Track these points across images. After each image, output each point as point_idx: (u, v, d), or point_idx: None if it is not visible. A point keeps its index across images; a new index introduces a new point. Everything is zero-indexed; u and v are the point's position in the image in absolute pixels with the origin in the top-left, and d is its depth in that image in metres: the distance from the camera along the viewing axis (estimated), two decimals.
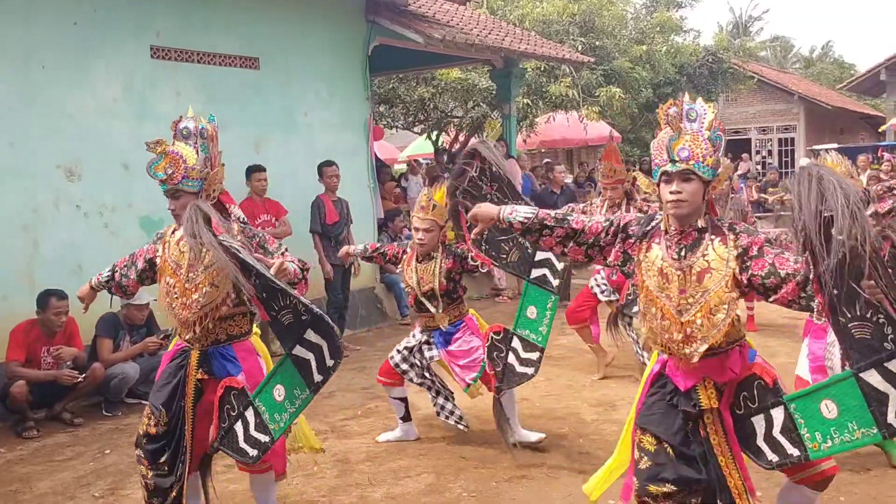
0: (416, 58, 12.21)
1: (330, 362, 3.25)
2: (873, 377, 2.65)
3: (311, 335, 3.25)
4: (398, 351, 5.52)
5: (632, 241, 3.21)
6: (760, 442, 3.01)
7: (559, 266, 4.32)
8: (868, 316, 2.64)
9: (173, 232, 3.78)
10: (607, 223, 3.28)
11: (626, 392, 6.54)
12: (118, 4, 7.40)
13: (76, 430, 6.20)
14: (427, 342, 5.43)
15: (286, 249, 3.70)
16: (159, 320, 7.03)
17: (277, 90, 8.89)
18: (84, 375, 6.30)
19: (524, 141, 17.17)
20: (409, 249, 5.49)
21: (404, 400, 5.60)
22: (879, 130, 25.07)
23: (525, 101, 15.44)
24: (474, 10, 14.42)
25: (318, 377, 3.30)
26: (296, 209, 8.53)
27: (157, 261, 3.84)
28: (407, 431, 5.64)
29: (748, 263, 2.92)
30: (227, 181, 8.00)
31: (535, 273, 4.52)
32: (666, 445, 3.08)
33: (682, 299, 3.02)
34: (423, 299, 5.32)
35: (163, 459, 3.76)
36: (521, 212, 3.39)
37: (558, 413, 6.06)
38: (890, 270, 2.61)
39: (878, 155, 16.92)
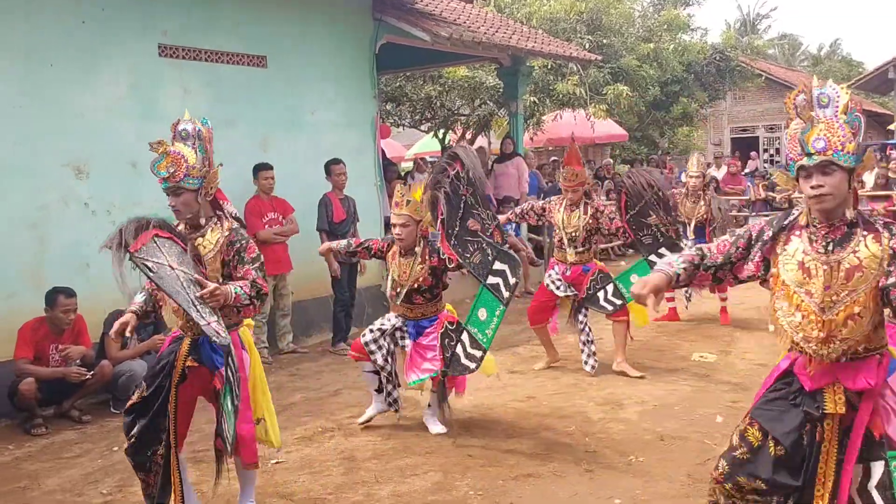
0: (423, 56, 12.21)
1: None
2: None
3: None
4: (370, 331, 5.67)
5: (769, 244, 3.02)
6: (871, 487, 2.86)
7: (512, 281, 4.64)
8: None
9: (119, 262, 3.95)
10: (735, 238, 3.11)
11: (633, 391, 6.54)
12: (126, 3, 7.41)
13: (84, 427, 6.22)
14: (401, 329, 5.62)
15: (259, 266, 3.89)
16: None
17: (284, 88, 8.89)
18: (92, 373, 6.33)
19: (531, 139, 17.15)
20: (393, 244, 5.68)
21: (377, 373, 5.72)
22: (888, 128, 24.98)
23: (532, 99, 15.43)
24: (481, 8, 14.40)
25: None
26: (302, 207, 8.54)
27: None
28: (381, 401, 5.83)
29: (892, 270, 2.76)
30: (234, 179, 8.09)
31: (492, 280, 4.84)
32: (771, 444, 2.98)
33: (826, 296, 2.84)
34: (402, 293, 5.52)
35: (133, 432, 3.99)
36: (678, 265, 3.14)
37: (565, 412, 6.06)
38: None
39: (887, 153, 16.87)
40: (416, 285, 5.48)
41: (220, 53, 8.22)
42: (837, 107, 2.83)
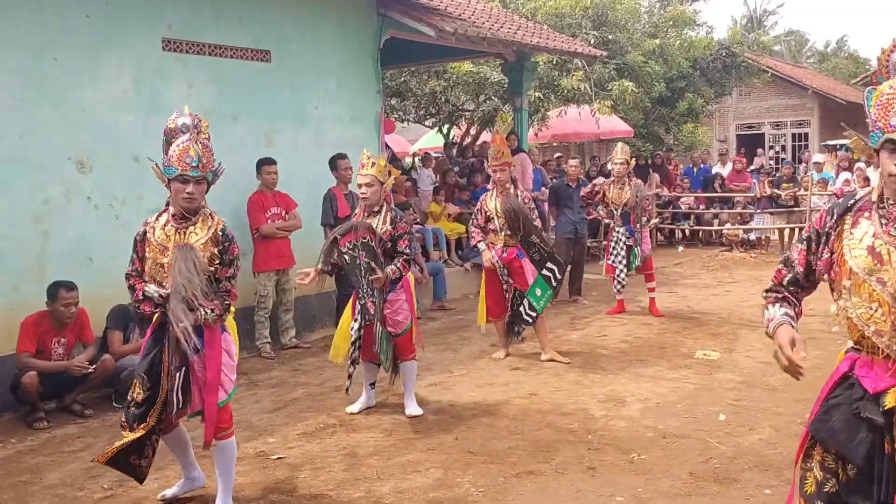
0: (428, 51, 12.18)
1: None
2: None
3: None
4: (355, 320, 6.00)
5: (833, 232, 2.71)
6: None
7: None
8: None
9: (157, 218, 4.27)
10: (805, 244, 2.82)
11: (635, 388, 6.52)
12: None
13: (86, 421, 6.23)
14: (373, 301, 5.84)
15: (236, 267, 4.27)
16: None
17: (288, 83, 8.88)
18: (94, 367, 6.32)
19: (536, 134, 17.11)
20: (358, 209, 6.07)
21: (377, 365, 6.15)
22: None
23: (537, 94, 15.38)
24: (486, 4, 14.36)
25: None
26: (306, 202, 8.54)
27: (147, 252, 4.28)
28: (370, 397, 6.25)
29: None
30: (238, 174, 8.07)
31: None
32: (842, 463, 2.67)
33: None
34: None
35: (143, 424, 4.23)
36: (783, 310, 2.83)
37: (567, 409, 6.05)
38: None
39: None
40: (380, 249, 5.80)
41: (224, 48, 8.20)
42: None
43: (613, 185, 9.42)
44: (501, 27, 11.74)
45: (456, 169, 13.72)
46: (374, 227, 5.81)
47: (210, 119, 7.85)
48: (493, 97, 15.69)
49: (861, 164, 14.65)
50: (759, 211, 15.69)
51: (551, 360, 7.39)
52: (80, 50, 7.05)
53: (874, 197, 2.65)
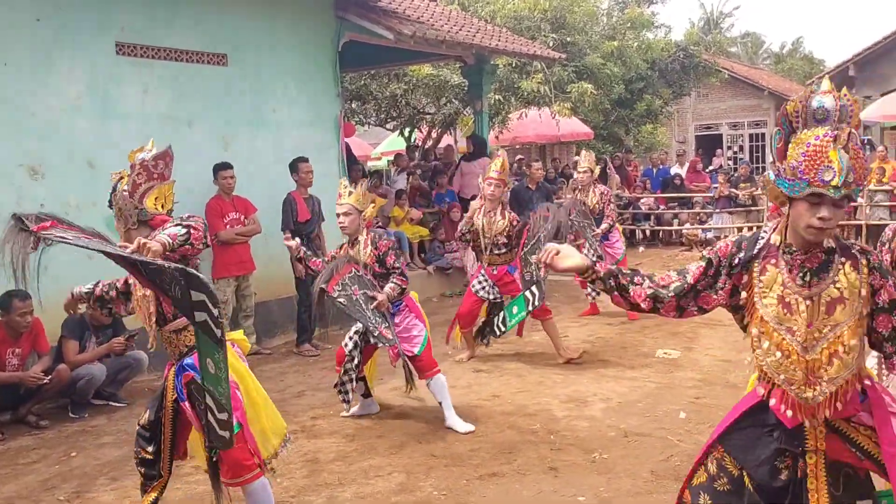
0: (388, 54, 12.15)
1: (215, 311, 3.01)
2: None
3: (195, 294, 3.03)
4: (350, 338, 5.88)
5: (739, 271, 2.69)
6: None
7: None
8: None
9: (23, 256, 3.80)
10: (705, 263, 2.76)
11: (597, 388, 6.55)
12: (82, 0, 7.28)
13: (42, 432, 6.11)
14: (386, 327, 5.64)
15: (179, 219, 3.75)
16: (126, 321, 6.93)
17: (246, 87, 8.80)
18: (49, 377, 6.21)
19: (496, 137, 17.14)
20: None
21: (363, 379, 6.01)
22: None
23: (497, 97, 15.41)
24: (445, 7, 14.38)
25: (217, 332, 3.06)
26: (265, 206, 8.46)
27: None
28: (369, 405, 6.12)
29: (872, 312, 2.56)
30: (195, 179, 7.97)
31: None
32: (743, 475, 2.74)
33: (808, 334, 2.55)
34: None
35: (150, 449, 3.97)
36: (618, 270, 2.87)
37: (529, 409, 6.05)
38: None
39: None
40: (370, 275, 5.66)
41: (179, 51, 8.11)
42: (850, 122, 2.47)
43: (579, 193, 9.44)
44: (460, 30, 11.75)
45: (419, 172, 13.70)
46: (357, 256, 5.68)
47: (165, 124, 7.86)
48: (453, 100, 15.68)
49: None
50: (717, 210, 15.88)
51: (569, 362, 7.32)
52: (30, 54, 6.93)
53: (777, 242, 2.64)
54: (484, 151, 13.17)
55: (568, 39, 16.67)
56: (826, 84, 2.52)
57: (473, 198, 12.13)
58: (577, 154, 21.27)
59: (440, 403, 5.77)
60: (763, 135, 29.62)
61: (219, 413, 3.35)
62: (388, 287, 5.61)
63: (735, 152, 29.52)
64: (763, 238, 2.68)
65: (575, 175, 10.26)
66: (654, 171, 17.72)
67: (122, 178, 3.91)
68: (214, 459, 3.80)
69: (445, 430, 5.67)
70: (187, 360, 3.81)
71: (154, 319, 3.83)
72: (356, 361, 5.84)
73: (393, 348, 5.54)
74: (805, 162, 2.45)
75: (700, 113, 30.55)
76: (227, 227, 8.07)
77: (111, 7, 7.51)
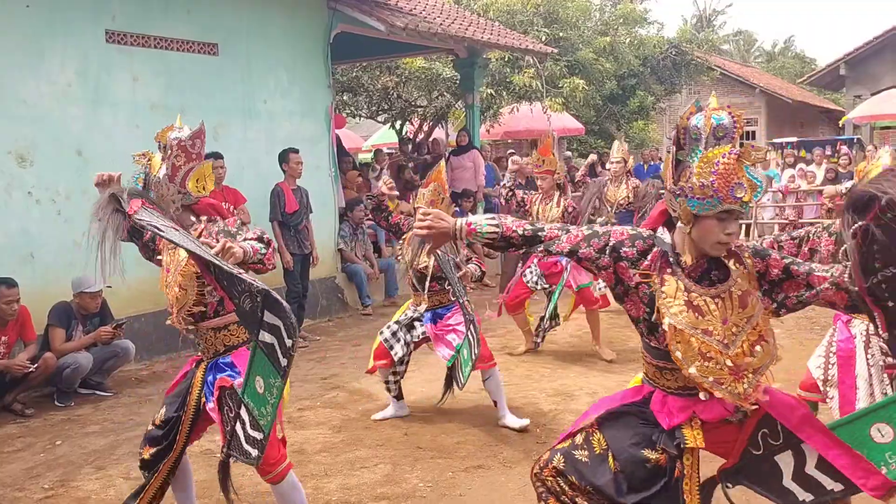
0: (380, 46, 12.12)
1: (288, 342, 2.90)
2: None
3: (268, 316, 2.95)
4: (388, 327, 5.68)
5: (624, 265, 2.76)
6: (787, 482, 2.71)
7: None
8: None
9: (114, 234, 3.55)
10: (591, 234, 2.81)
11: (584, 382, 6.57)
12: None
13: (27, 420, 6.09)
14: (419, 319, 5.62)
15: (242, 225, 3.63)
16: (113, 309, 6.93)
17: (237, 77, 8.77)
18: (36, 365, 6.19)
19: (488, 131, 17.14)
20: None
21: (397, 382, 5.78)
22: (840, 125, 25.44)
23: (489, 91, 15.41)
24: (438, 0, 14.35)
25: (283, 361, 2.96)
26: (255, 197, 8.44)
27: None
28: (400, 407, 5.86)
29: (772, 289, 2.66)
30: None
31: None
32: (611, 458, 2.82)
33: (726, 330, 2.62)
34: (414, 280, 5.55)
35: (155, 450, 3.75)
36: (484, 228, 2.84)
37: (516, 403, 6.06)
38: None
39: (837, 149, 17.15)
40: (425, 269, 5.46)
41: (170, 40, 8.07)
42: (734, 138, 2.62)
43: (611, 184, 9.19)
44: (453, 23, 11.73)
45: (411, 165, 13.69)
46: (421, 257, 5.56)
47: (156, 113, 7.84)
48: (445, 93, 15.66)
49: (802, 165, 14.96)
50: None
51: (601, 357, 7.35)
52: (21, 41, 6.88)
53: (670, 254, 2.72)
54: (473, 145, 13.17)
55: (560, 34, 16.69)
56: (714, 101, 2.67)
57: (464, 191, 12.17)
58: (568, 149, 21.35)
59: (495, 403, 5.64)
60: (754, 133, 29.72)
61: (252, 430, 3.25)
62: (471, 266, 5.61)
63: None
64: (654, 248, 2.75)
65: (608, 165, 10.00)
66: (645, 167, 17.74)
67: (149, 159, 3.59)
68: (227, 461, 3.61)
69: (432, 422, 5.68)
70: (223, 360, 3.65)
71: (184, 313, 3.58)
72: (406, 363, 5.73)
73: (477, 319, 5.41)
74: (717, 180, 2.54)
75: None
76: (223, 224, 8.03)
77: None
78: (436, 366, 7.21)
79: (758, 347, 2.62)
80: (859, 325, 4.26)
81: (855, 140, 19.10)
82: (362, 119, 18.07)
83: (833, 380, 4.37)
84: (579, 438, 2.93)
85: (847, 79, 24.47)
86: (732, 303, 2.63)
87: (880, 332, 2.50)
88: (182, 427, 3.74)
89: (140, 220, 3.23)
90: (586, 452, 2.87)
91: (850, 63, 24.11)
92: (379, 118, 17.66)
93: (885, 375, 4.21)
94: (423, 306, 5.59)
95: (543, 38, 15.86)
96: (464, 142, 13.26)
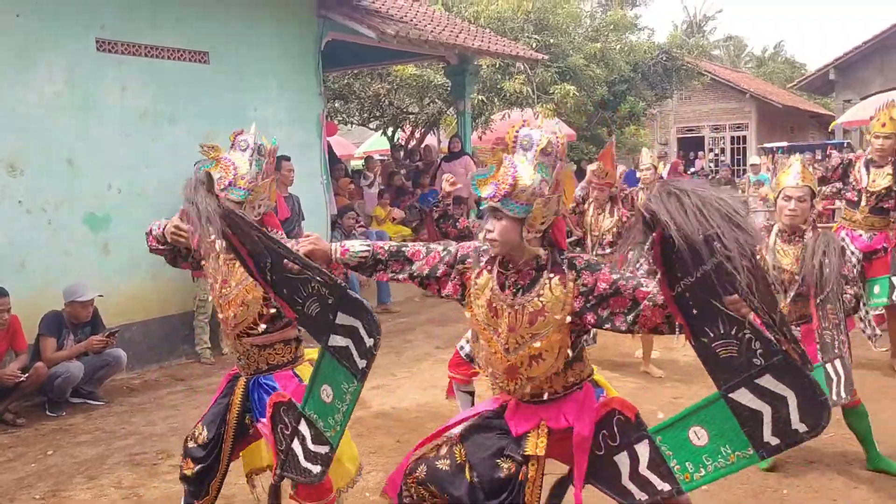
0: (371, 54, 12.15)
1: (369, 342, 2.83)
2: (744, 396, 2.49)
3: (342, 318, 2.87)
4: (468, 341, 5.35)
5: (468, 272, 2.95)
6: (626, 482, 2.78)
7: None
8: (733, 333, 2.45)
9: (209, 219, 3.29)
10: (445, 252, 2.99)
11: None
12: None
13: (18, 430, 6.06)
14: None
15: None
16: (105, 318, 6.90)
17: (227, 85, 8.76)
18: (27, 375, 6.17)
19: (479, 138, 17.16)
20: None
21: (471, 394, 5.52)
22: (829, 129, 25.55)
23: (480, 97, 15.45)
24: (429, 7, 14.38)
25: (361, 363, 2.87)
26: None
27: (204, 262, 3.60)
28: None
29: (599, 303, 2.71)
30: (176, 177, 7.90)
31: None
32: (467, 466, 2.93)
33: (510, 337, 2.82)
34: None
35: (199, 468, 3.66)
36: (356, 248, 3.00)
37: None
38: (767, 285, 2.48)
39: (827, 153, 17.20)
40: None
41: (160, 49, 8.07)
42: (533, 151, 2.74)
43: (642, 192, 9.05)
44: (443, 30, 11.76)
45: (402, 172, 13.71)
46: None
47: (146, 121, 7.84)
48: (436, 100, 15.71)
49: None
50: None
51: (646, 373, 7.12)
52: (10, 50, 6.87)
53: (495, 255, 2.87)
54: (465, 151, 13.19)
55: (551, 41, 16.72)
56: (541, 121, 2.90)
57: (457, 199, 12.17)
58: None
59: None
60: (745, 137, 29.83)
61: (314, 445, 3.13)
62: None
63: (716, 155, 29.71)
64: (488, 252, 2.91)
65: (638, 174, 9.87)
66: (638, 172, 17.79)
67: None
68: (279, 483, 3.47)
69: (425, 429, 5.64)
70: (265, 379, 3.57)
71: (240, 329, 3.51)
72: None
73: None
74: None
75: (682, 115, 30.72)
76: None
77: (92, 3, 7.46)
78: (428, 372, 7.22)
79: (533, 362, 2.80)
80: None
81: (845, 144, 19.20)
82: (354, 126, 18.10)
83: None
84: (444, 450, 3.02)
85: (837, 83, 24.58)
86: (522, 317, 2.78)
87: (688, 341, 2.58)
88: (224, 446, 3.67)
89: (231, 210, 3.07)
90: (448, 462, 2.97)
91: (839, 68, 24.22)
92: (371, 125, 17.69)
93: None
94: None
95: (534, 45, 15.90)
96: (456, 148, 13.29)
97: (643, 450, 2.74)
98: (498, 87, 15.73)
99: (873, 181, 6.35)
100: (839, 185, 6.76)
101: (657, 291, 2.57)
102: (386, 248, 3.02)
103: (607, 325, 2.73)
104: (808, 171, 4.42)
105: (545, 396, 2.88)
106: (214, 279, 3.56)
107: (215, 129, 8.58)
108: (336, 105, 16.24)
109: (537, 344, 2.78)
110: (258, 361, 3.59)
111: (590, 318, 2.73)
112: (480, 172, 2.79)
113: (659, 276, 2.51)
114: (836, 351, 4.18)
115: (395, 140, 17.38)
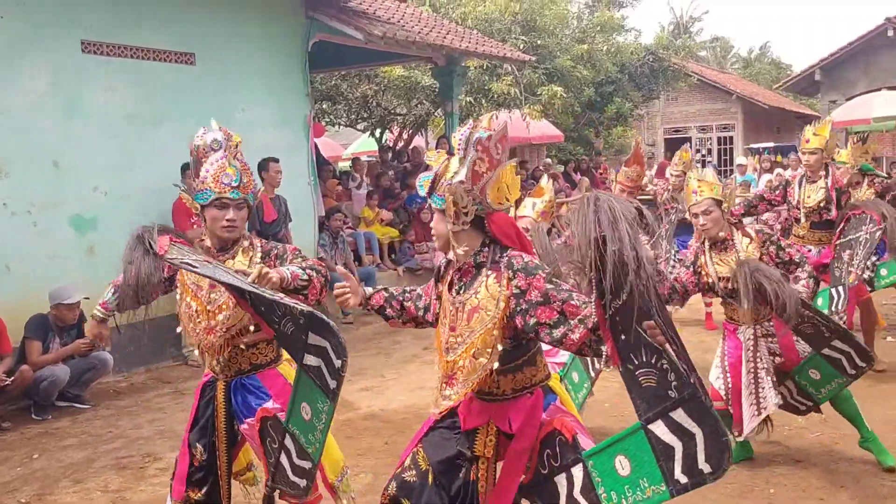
0: (359, 55, 12.13)
1: (337, 363, 2.81)
2: (659, 428, 2.40)
3: (313, 338, 2.89)
4: None
5: (440, 284, 3.05)
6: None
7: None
8: (653, 362, 2.39)
9: (149, 277, 3.39)
10: (432, 281, 3.12)
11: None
12: None
13: (3, 434, 6.02)
14: None
15: (304, 257, 3.51)
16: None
17: (214, 86, 8.73)
18: (12, 378, 6.13)
19: None
20: None
21: None
22: None
23: (468, 99, 15.45)
24: (416, 8, 14.37)
25: (332, 383, 2.85)
26: None
27: (177, 277, 3.56)
28: None
29: (528, 309, 2.67)
30: (162, 179, 7.88)
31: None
32: (430, 470, 2.93)
33: (450, 336, 2.84)
34: None
35: (205, 490, 3.60)
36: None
37: None
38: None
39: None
40: None
41: (146, 50, 8.03)
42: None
43: (671, 194, 8.87)
44: (431, 31, 11.75)
45: (390, 173, 13.69)
46: None
47: (132, 123, 7.80)
48: (424, 101, 15.71)
49: (779, 170, 15.07)
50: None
51: None
52: None
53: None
54: (452, 153, 13.16)
55: (538, 42, 16.74)
56: (486, 121, 2.90)
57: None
58: (548, 156, 21.41)
59: None
60: (731, 138, 29.95)
61: (299, 460, 3.13)
62: None
63: (703, 155, 29.81)
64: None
65: (667, 174, 9.62)
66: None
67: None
68: (272, 493, 3.40)
69: (414, 430, 5.62)
70: (249, 380, 3.52)
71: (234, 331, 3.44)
72: None
73: None
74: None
75: (669, 116, 30.82)
76: (194, 227, 7.98)
77: (77, 5, 7.42)
78: (416, 374, 7.22)
79: (468, 361, 2.77)
80: (745, 330, 4.47)
81: None
82: (342, 127, 18.08)
83: (730, 388, 4.56)
84: (408, 461, 3.01)
85: (822, 84, 24.72)
86: (462, 314, 2.80)
87: (612, 365, 2.51)
88: (220, 455, 3.61)
89: (172, 259, 3.18)
90: (414, 472, 2.96)
91: (824, 69, 24.36)
92: (358, 126, 17.68)
93: (769, 379, 4.43)
94: None
95: (521, 46, 15.91)
96: (444, 149, 13.25)
97: (578, 473, 2.68)
98: (486, 88, 15.74)
99: (808, 197, 6.49)
100: (781, 208, 6.96)
101: (590, 314, 2.52)
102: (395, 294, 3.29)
103: (531, 335, 2.71)
104: (705, 182, 4.46)
105: (494, 394, 2.86)
106: (198, 287, 3.47)
107: None
108: (324, 106, 16.22)
109: (472, 346, 2.76)
110: (240, 363, 3.52)
111: (518, 321, 2.70)
112: (425, 175, 2.87)
113: (595, 297, 2.45)
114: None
115: (383, 141, 17.38)
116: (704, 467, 2.33)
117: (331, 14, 9.81)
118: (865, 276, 6.49)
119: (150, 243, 3.25)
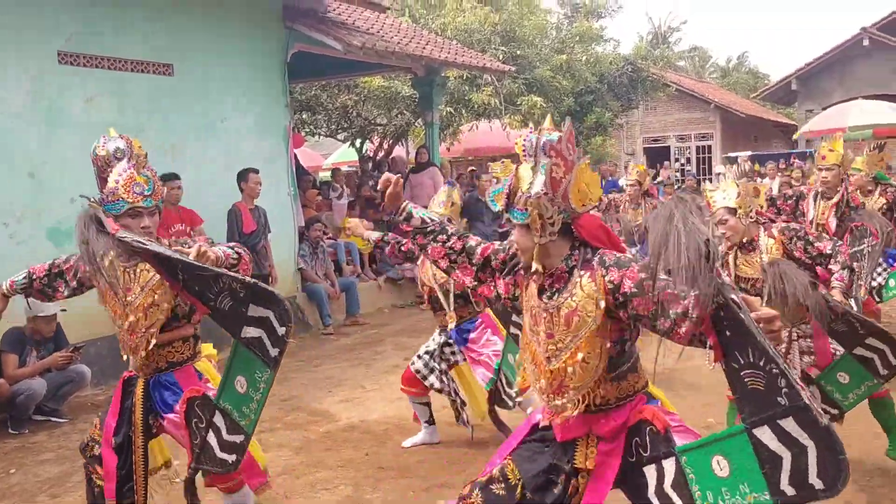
0: (338, 65, 12.14)
1: (281, 330, 2.92)
2: (765, 434, 2.32)
3: (253, 309, 2.98)
4: (419, 357, 5.47)
5: (517, 275, 2.92)
6: (651, 495, 2.67)
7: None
8: (761, 364, 2.28)
9: (102, 257, 3.47)
10: (500, 245, 2.99)
11: None
12: (24, 9, 7.15)
13: None
14: (447, 343, 5.38)
15: (212, 241, 3.61)
16: (68, 333, 6.80)
17: (193, 97, 8.71)
18: None
19: (448, 149, 17.21)
20: None
21: (428, 405, 5.59)
22: (793, 139, 25.93)
23: (448, 109, 15.48)
24: (395, 19, 14.40)
25: (273, 351, 2.97)
26: (215, 217, 8.37)
27: (95, 283, 3.63)
28: (431, 434, 5.61)
29: (625, 301, 2.57)
30: None
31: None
32: (520, 487, 2.83)
33: (549, 344, 2.72)
34: (439, 294, 5.25)
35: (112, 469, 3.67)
36: (421, 211, 3.13)
37: (485, 420, 6.04)
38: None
39: (791, 162, 17.46)
40: (450, 285, 5.22)
41: (124, 61, 8.00)
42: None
43: (629, 205, 9.06)
44: (410, 42, 11.78)
45: (371, 183, 13.68)
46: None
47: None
48: (404, 111, 15.71)
49: (757, 179, 15.15)
50: None
51: None
52: None
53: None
54: (433, 162, 13.21)
55: (518, 52, 16.80)
56: (548, 121, 2.79)
57: (425, 207, 12.16)
58: None
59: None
60: (710, 147, 30.15)
61: (229, 434, 3.21)
62: None
63: (682, 164, 29.98)
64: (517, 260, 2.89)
65: (625, 188, 9.69)
66: (603, 182, 17.92)
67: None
68: (194, 476, 3.55)
69: (395, 441, 5.66)
70: (166, 377, 3.62)
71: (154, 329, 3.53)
72: (450, 391, 5.49)
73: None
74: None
75: (648, 125, 30.98)
76: (173, 238, 7.96)
77: (55, 15, 7.38)
78: (396, 385, 7.18)
79: (577, 367, 2.66)
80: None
81: (808, 153, 19.48)
82: (322, 137, 18.06)
83: None
84: (496, 471, 2.91)
85: (799, 94, 24.98)
86: (558, 319, 2.69)
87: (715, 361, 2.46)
88: (135, 449, 3.68)
89: (123, 237, 3.28)
90: (503, 486, 2.86)
91: (801, 78, 24.62)
92: (339, 136, 17.66)
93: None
94: (452, 323, 5.26)
95: (501, 57, 15.97)
96: (423, 159, 13.30)
97: (670, 467, 2.62)
98: (466, 98, 15.77)
99: (822, 213, 6.34)
100: (787, 219, 6.97)
101: (692, 306, 2.36)
102: (453, 228, 3.14)
103: (635, 331, 2.71)
104: (717, 192, 4.46)
105: (596, 403, 2.74)
106: (113, 292, 3.54)
107: (181, 142, 8.56)
108: (303, 116, 16.20)
109: (577, 350, 2.66)
110: (157, 361, 3.63)
111: (622, 314, 2.62)
112: (496, 188, 2.86)
113: (696, 292, 2.36)
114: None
115: (364, 151, 17.37)
116: (816, 482, 2.24)
117: (310, 24, 9.81)
118: (875, 284, 6.43)
119: (103, 223, 3.36)
